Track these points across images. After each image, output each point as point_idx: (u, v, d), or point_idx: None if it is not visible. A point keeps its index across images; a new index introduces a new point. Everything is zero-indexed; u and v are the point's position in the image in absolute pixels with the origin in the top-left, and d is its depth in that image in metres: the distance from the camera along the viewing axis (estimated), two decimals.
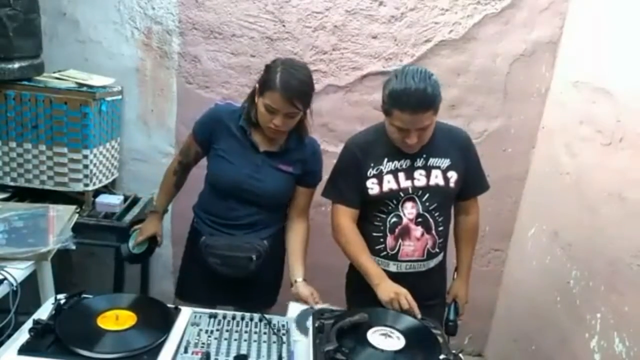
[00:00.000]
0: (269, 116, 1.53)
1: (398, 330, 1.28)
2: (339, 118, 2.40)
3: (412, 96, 1.38)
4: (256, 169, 1.64)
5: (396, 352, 1.20)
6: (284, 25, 2.33)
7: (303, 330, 1.40)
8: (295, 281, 1.62)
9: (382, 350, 1.20)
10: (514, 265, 2.57)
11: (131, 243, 1.78)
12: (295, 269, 1.66)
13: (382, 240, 1.59)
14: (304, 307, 1.50)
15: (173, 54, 2.39)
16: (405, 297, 1.42)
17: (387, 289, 1.46)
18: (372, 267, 1.54)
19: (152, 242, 1.81)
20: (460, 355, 1.26)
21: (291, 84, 1.49)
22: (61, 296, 1.36)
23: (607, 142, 1.83)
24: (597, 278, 1.82)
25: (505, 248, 2.62)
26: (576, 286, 1.95)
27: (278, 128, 1.55)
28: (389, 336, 1.25)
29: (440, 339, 1.30)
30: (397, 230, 1.57)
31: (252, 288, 1.72)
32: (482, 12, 2.30)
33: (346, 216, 1.63)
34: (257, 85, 1.58)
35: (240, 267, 1.64)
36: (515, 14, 2.30)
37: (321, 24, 2.32)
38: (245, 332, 1.37)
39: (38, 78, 2.11)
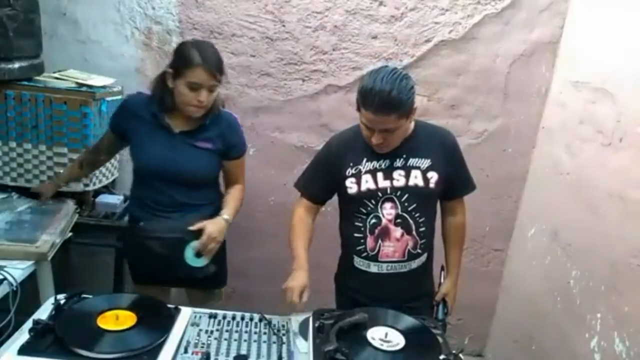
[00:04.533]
0: (192, 94, 1.61)
1: (398, 330, 1.28)
2: (339, 118, 2.40)
3: (376, 96, 1.38)
4: (172, 149, 1.70)
5: (396, 352, 1.20)
6: (284, 25, 2.33)
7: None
8: (219, 215, 1.74)
9: (382, 350, 1.20)
10: (514, 265, 2.57)
11: (189, 253, 1.68)
12: (224, 210, 1.76)
13: (362, 241, 1.58)
14: (305, 316, 1.48)
15: None
16: (294, 290, 1.43)
17: (298, 279, 1.48)
18: (299, 254, 1.57)
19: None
20: (460, 355, 1.26)
21: (210, 58, 1.62)
22: (61, 296, 1.36)
23: (607, 142, 1.83)
24: (597, 278, 1.82)
25: (505, 248, 2.62)
26: (576, 286, 1.95)
27: (201, 104, 1.63)
28: (389, 336, 1.25)
29: (440, 339, 1.30)
30: (376, 231, 1.56)
31: (174, 265, 1.73)
32: (482, 12, 2.30)
33: (302, 207, 1.69)
34: (169, 70, 1.64)
35: (176, 246, 1.66)
36: (515, 14, 2.30)
37: (321, 24, 2.32)
38: (245, 332, 1.37)
39: (38, 78, 2.11)
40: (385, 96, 1.37)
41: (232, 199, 1.82)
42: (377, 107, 1.39)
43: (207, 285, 1.85)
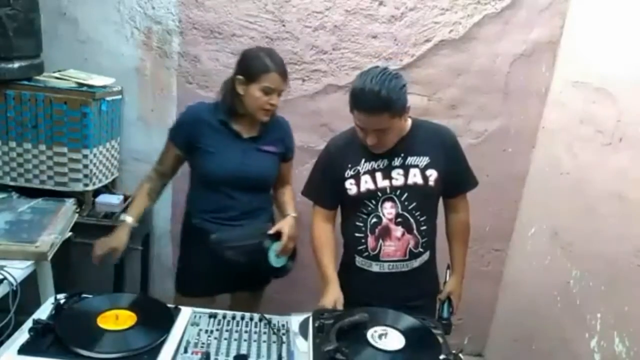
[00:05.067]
0: (265, 98, 1.66)
1: (398, 330, 1.28)
2: (339, 118, 2.39)
3: (366, 97, 1.40)
4: (244, 155, 1.74)
5: (396, 352, 1.20)
6: (284, 25, 2.33)
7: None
8: (288, 214, 1.81)
9: (382, 350, 1.20)
10: (514, 265, 2.57)
11: (272, 256, 1.71)
12: (288, 208, 1.84)
13: (363, 241, 1.59)
14: (305, 316, 1.48)
15: (173, 54, 2.38)
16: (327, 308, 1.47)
17: (331, 295, 1.52)
18: (327, 269, 1.60)
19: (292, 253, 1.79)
20: (460, 355, 1.26)
21: (281, 64, 1.70)
22: (61, 296, 1.36)
23: (607, 142, 1.83)
24: (597, 278, 1.82)
25: (505, 248, 2.62)
26: (576, 286, 1.95)
27: (273, 107, 1.70)
28: (389, 336, 1.25)
29: (440, 339, 1.30)
30: (377, 230, 1.57)
31: (254, 270, 1.76)
32: (482, 12, 2.30)
33: (320, 217, 1.71)
34: (240, 77, 1.68)
35: (255, 252, 1.69)
36: (515, 14, 2.30)
37: (321, 23, 2.32)
38: (245, 332, 1.37)
39: (38, 78, 2.11)
40: (374, 96, 1.39)
41: (290, 198, 1.90)
42: (367, 108, 1.42)
43: (255, 286, 1.93)
